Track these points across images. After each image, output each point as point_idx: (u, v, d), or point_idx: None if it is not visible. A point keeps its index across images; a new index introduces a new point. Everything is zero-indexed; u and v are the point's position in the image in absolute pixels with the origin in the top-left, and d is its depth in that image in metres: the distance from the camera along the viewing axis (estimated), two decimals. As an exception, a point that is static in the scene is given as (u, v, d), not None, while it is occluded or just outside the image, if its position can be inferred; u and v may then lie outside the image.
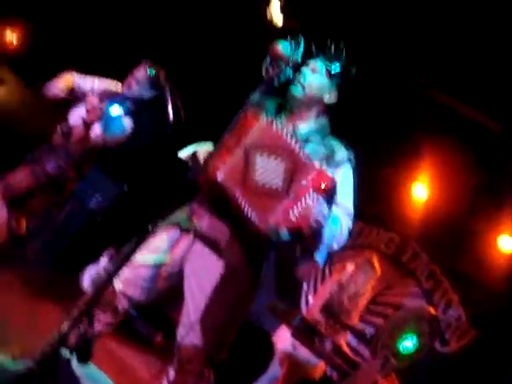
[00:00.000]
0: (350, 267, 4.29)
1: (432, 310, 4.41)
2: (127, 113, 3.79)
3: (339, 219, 2.18)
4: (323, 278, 5.47)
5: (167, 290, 2.29)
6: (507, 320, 4.55)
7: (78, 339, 2.18)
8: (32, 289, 3.92)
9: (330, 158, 2.22)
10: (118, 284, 2.23)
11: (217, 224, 2.18)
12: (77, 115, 3.81)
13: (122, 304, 2.26)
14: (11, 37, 6.35)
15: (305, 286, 5.50)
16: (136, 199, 5.30)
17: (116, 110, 3.76)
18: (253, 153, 2.06)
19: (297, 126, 2.30)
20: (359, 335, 4.31)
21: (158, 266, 2.23)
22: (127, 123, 3.81)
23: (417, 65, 4.51)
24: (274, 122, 2.11)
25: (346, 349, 4.12)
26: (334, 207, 2.15)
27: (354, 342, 4.18)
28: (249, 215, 2.03)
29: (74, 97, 3.83)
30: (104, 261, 4.73)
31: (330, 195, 2.06)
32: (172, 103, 3.54)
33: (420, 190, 5.31)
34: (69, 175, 3.79)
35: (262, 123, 2.08)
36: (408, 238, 5.55)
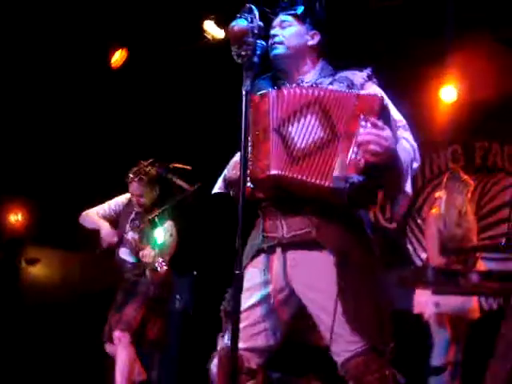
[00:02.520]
0: (440, 194, 3.94)
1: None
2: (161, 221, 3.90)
3: (403, 135, 1.93)
4: (418, 227, 5.12)
5: (292, 322, 2.02)
6: None
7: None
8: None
9: (351, 87, 1.98)
10: (239, 344, 1.94)
11: (295, 222, 1.92)
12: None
13: (255, 360, 1.98)
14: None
15: (408, 244, 5.16)
16: (210, 271, 5.14)
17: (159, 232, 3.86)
18: (283, 129, 1.87)
19: (303, 81, 2.09)
20: (494, 249, 3.95)
21: (266, 300, 1.97)
22: (169, 225, 3.91)
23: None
24: (281, 89, 1.95)
25: (488, 267, 3.77)
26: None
27: (492, 258, 3.85)
28: (313, 183, 1.81)
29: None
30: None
31: (384, 114, 1.82)
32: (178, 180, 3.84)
33: (449, 92, 4.99)
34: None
35: (271, 98, 1.91)
36: (470, 141, 5.22)
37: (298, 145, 1.85)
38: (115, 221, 4.01)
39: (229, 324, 1.85)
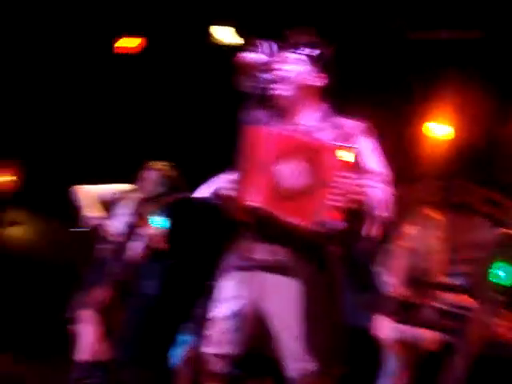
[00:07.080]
0: (411, 229, 4.14)
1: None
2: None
3: (376, 186, 2.10)
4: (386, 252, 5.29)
5: (258, 334, 2.21)
6: None
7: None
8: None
9: (343, 136, 2.15)
10: (208, 349, 2.14)
11: (273, 248, 2.12)
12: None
13: (221, 366, 2.17)
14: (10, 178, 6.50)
15: (373, 269, 5.33)
16: (187, 265, 5.27)
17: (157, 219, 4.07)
18: (273, 167, 2.03)
19: (299, 122, 2.23)
20: (456, 288, 4.15)
21: (237, 313, 2.15)
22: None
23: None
24: (277, 127, 2.11)
25: (449, 308, 3.96)
26: (368, 176, 2.09)
27: (454, 297, 4.03)
28: (293, 223, 2.00)
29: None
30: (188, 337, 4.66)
31: (352, 166, 2.01)
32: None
33: (435, 129, 5.21)
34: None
35: (266, 135, 2.06)
36: (447, 178, 5.41)
37: (283, 184, 2.01)
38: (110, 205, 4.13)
39: (201, 329, 2.03)
